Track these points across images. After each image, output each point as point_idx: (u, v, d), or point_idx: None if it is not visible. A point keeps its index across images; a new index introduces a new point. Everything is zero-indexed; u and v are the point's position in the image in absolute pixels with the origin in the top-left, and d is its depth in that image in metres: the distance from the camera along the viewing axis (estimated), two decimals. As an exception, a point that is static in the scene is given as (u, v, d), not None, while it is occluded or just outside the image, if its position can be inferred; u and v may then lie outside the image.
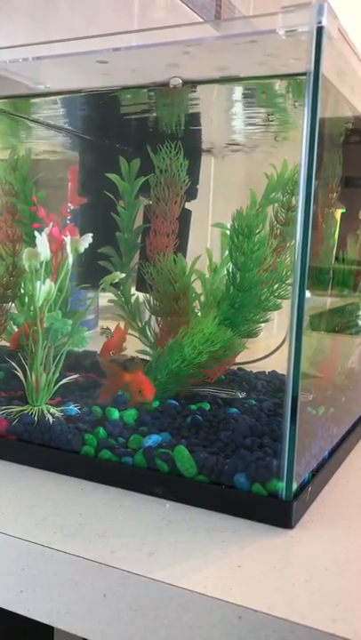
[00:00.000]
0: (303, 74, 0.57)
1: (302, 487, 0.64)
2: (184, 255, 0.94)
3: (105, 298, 0.98)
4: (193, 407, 0.80)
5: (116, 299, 0.93)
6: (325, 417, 0.78)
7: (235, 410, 0.78)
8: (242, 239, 0.73)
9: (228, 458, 0.66)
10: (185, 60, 0.67)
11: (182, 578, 0.52)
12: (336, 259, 0.78)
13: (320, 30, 0.55)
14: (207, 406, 0.81)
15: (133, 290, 0.95)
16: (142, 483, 0.67)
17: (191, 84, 0.71)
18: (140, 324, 0.95)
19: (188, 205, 1.02)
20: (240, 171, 1.09)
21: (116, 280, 0.78)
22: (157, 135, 0.90)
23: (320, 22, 0.55)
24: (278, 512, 0.61)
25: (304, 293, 0.59)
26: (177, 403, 0.80)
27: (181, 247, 0.95)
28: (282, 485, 0.61)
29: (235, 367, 0.99)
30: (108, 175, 0.88)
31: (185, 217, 1.01)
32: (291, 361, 0.60)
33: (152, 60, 0.70)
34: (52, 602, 0.56)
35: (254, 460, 0.64)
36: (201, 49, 0.65)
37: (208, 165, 1.01)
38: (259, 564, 0.55)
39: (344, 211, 0.80)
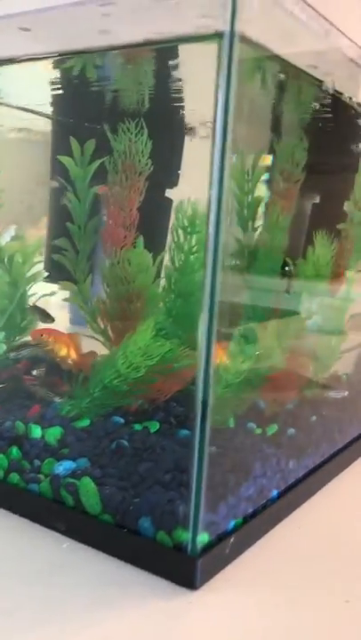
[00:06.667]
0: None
1: (222, 537, 0.53)
2: (163, 249, 0.83)
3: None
4: (137, 427, 0.69)
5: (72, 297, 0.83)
6: (278, 440, 0.67)
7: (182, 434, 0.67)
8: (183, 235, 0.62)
9: (138, 496, 0.56)
10: (110, 23, 0.57)
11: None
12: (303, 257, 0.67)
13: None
14: (155, 426, 0.70)
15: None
16: (45, 515, 0.58)
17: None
18: (102, 324, 0.85)
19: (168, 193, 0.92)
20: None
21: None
22: (118, 111, 0.80)
23: None
24: (181, 568, 0.51)
25: (216, 287, 0.48)
26: (122, 420, 0.70)
27: (160, 241, 0.85)
28: (187, 536, 0.51)
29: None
30: (60, 158, 0.78)
31: (164, 206, 0.90)
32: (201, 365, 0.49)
33: (78, 26, 0.59)
34: None
35: (165, 501, 0.54)
36: (124, 8, 0.54)
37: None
38: (136, 634, 0.45)
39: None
